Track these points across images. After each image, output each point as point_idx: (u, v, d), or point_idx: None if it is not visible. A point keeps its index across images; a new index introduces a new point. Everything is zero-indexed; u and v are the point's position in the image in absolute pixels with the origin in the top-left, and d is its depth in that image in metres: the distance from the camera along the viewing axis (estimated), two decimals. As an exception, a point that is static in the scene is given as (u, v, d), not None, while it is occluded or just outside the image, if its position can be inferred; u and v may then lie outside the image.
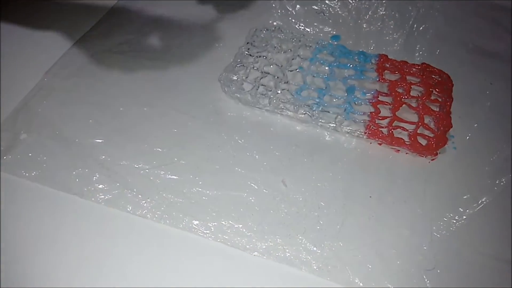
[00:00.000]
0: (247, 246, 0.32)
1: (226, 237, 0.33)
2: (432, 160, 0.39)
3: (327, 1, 0.53)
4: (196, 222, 0.33)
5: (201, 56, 0.46)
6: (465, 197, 0.36)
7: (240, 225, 0.34)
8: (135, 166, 0.36)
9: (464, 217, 0.35)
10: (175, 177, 0.36)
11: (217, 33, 0.49)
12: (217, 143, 0.38)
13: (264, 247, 0.32)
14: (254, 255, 0.32)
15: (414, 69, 0.43)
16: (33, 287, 0.30)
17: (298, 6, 0.52)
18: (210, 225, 0.33)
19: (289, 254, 0.32)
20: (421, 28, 0.51)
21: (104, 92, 0.41)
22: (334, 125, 0.39)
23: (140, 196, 0.35)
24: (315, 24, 0.51)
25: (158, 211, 0.34)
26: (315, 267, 0.32)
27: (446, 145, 0.39)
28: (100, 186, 0.35)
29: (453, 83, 0.43)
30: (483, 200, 0.36)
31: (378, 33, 0.50)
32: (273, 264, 0.32)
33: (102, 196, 0.34)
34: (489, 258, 0.33)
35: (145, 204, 0.34)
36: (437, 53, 0.48)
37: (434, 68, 0.43)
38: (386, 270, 0.32)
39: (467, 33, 0.51)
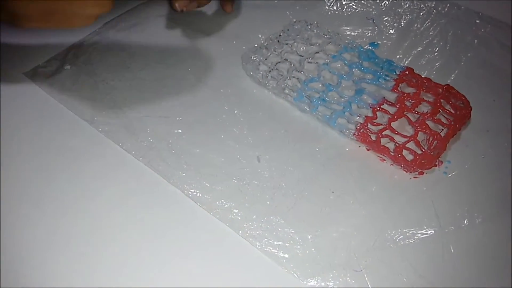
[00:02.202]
0: (201, 200, 0.35)
1: (186, 186, 0.36)
2: (414, 177, 0.38)
3: (383, 9, 0.53)
4: (165, 165, 0.37)
5: (241, 35, 0.50)
6: (427, 220, 0.35)
7: (204, 182, 0.37)
8: (141, 112, 0.42)
9: (416, 237, 0.34)
10: (166, 126, 0.40)
11: (264, 19, 0.52)
12: (217, 110, 0.42)
13: (213, 203, 0.35)
14: (203, 208, 0.35)
15: (434, 88, 0.42)
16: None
17: (351, 7, 0.53)
18: (178, 173, 0.37)
19: (232, 217, 0.35)
20: (469, 54, 0.48)
21: (144, 49, 0.48)
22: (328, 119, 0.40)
23: (134, 135, 0.40)
24: (360, 29, 0.51)
25: (144, 152, 0.39)
26: (249, 233, 0.34)
27: (436, 168, 0.38)
28: (107, 119, 0.41)
29: (470, 110, 0.41)
30: (443, 230, 0.34)
31: (420, 51, 0.49)
32: (216, 221, 0.35)
33: (106, 128, 0.40)
34: (424, 281, 0.31)
35: (135, 143, 0.39)
36: (474, 82, 0.45)
37: (457, 91, 0.42)
38: (312, 258, 0.32)
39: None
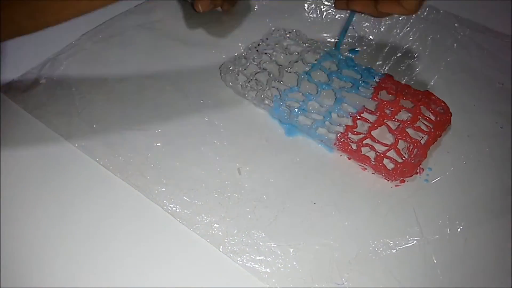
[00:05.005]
0: (180, 215, 0.35)
1: (165, 202, 0.36)
2: (396, 186, 0.37)
3: (362, 15, 0.53)
4: (144, 180, 0.37)
5: (221, 44, 0.49)
6: (409, 229, 0.35)
7: (184, 196, 0.36)
8: (119, 126, 0.41)
9: (398, 248, 0.34)
10: (145, 139, 0.40)
11: (244, 26, 0.52)
12: (197, 122, 0.41)
13: (193, 218, 0.35)
14: (183, 224, 0.35)
15: (414, 94, 0.42)
16: None
17: (330, 14, 0.53)
18: (157, 188, 0.36)
19: (213, 232, 0.34)
20: (449, 58, 0.49)
21: (123, 60, 0.47)
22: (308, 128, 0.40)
23: (112, 150, 0.39)
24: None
25: (124, 168, 0.38)
26: (229, 248, 0.33)
27: (418, 175, 0.38)
28: (84, 134, 0.40)
29: (450, 116, 0.41)
30: (425, 239, 0.34)
31: (400, 56, 0.49)
32: (196, 237, 0.34)
33: (83, 143, 0.39)
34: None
35: (113, 158, 0.38)
36: (455, 87, 0.45)
37: (436, 97, 0.42)
38: (294, 272, 0.32)
39: (499, 72, 0.47)
